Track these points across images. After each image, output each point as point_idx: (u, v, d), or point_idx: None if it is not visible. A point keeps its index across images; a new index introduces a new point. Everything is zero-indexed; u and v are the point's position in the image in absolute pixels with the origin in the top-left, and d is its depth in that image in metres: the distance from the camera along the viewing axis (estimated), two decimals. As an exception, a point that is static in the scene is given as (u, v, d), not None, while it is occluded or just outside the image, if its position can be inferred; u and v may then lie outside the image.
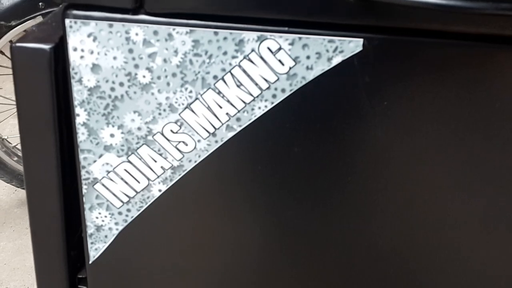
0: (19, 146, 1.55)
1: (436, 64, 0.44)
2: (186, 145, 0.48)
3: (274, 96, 0.46)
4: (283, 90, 0.45)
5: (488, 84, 0.44)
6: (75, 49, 0.44)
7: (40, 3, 1.33)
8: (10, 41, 1.40)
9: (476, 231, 0.50)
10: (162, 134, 0.47)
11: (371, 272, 0.53)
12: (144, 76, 0.45)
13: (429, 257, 0.51)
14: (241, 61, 0.44)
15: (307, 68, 0.44)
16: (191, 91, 0.46)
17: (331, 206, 0.50)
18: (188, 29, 0.44)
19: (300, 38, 0.44)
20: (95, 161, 0.49)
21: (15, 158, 1.56)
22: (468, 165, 0.47)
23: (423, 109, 0.45)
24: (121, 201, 0.50)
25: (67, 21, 0.43)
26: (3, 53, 1.43)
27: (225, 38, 0.44)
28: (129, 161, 0.49)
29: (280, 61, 0.44)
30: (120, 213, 0.51)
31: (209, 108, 0.46)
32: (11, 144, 1.57)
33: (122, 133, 0.47)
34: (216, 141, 0.47)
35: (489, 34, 0.43)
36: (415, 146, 0.47)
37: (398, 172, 0.48)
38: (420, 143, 0.47)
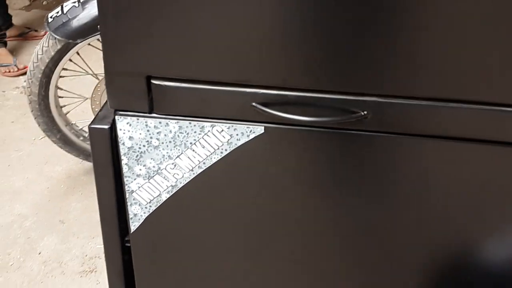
0: (85, 129, 2.04)
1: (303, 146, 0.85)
2: (178, 175, 0.92)
3: (221, 152, 0.89)
4: (226, 150, 0.88)
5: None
6: (120, 129, 0.88)
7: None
8: (77, 53, 1.86)
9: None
10: (165, 169, 0.91)
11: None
12: (155, 142, 0.89)
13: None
14: (203, 135, 0.87)
15: (237, 140, 0.87)
16: (179, 149, 0.89)
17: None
18: (176, 121, 0.87)
19: (232, 125, 0.86)
20: (132, 182, 0.93)
21: (81, 138, 2.05)
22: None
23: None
24: (146, 201, 0.95)
25: (116, 116, 0.87)
26: (71, 60, 1.90)
27: (194, 125, 0.87)
28: (150, 182, 0.93)
29: (223, 136, 0.87)
30: (145, 207, 0.96)
31: (188, 157, 0.90)
32: (78, 127, 2.06)
33: (145, 168, 0.92)
34: (193, 173, 0.91)
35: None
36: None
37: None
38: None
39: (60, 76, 1.88)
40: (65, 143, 2.01)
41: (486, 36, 0.73)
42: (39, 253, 1.88)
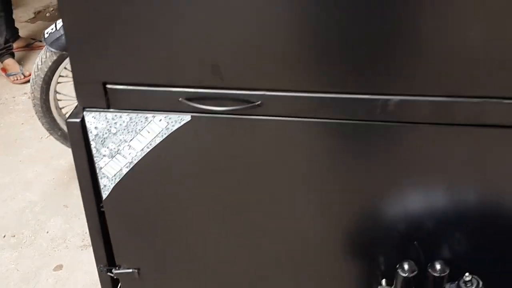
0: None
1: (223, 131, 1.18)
2: (133, 154, 1.25)
3: (162, 136, 1.21)
4: (165, 133, 1.21)
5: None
6: (87, 122, 1.21)
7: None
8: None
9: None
10: (123, 150, 1.24)
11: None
12: (113, 130, 1.22)
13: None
14: (148, 123, 1.20)
15: (172, 126, 1.19)
16: (131, 135, 1.22)
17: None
18: (127, 113, 1.19)
19: (168, 115, 1.18)
20: (100, 160, 1.26)
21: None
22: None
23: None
24: (111, 175, 1.28)
25: (84, 112, 1.20)
26: (66, 68, 2.23)
27: (140, 116, 1.19)
28: (113, 160, 1.26)
29: (162, 123, 1.20)
30: (111, 179, 1.29)
31: (138, 140, 1.22)
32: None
33: (109, 150, 1.25)
34: (144, 152, 1.24)
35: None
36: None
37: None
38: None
39: (58, 82, 2.22)
40: (66, 139, 2.35)
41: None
42: (47, 232, 2.22)
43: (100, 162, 1.27)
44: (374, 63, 1.05)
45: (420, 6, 0.98)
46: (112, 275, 1.45)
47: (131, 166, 1.27)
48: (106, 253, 1.42)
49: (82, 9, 1.08)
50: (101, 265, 1.45)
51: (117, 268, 1.45)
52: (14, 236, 2.20)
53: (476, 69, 1.03)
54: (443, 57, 1.02)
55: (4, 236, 2.20)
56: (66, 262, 2.07)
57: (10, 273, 2.04)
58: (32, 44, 3.51)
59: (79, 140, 1.25)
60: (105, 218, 1.36)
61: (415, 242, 1.25)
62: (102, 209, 1.36)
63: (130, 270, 1.44)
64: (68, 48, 1.13)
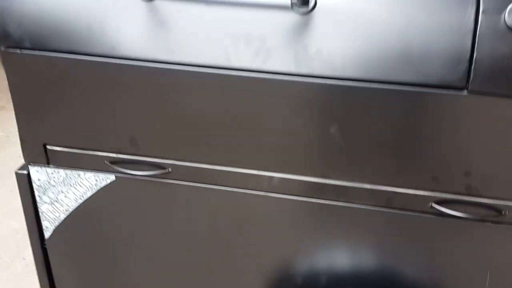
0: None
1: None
2: (68, 203, 1.48)
3: (92, 190, 1.45)
4: (94, 189, 1.44)
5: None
6: (32, 174, 1.46)
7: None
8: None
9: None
10: (61, 199, 1.48)
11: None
12: (53, 182, 1.46)
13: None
14: (80, 179, 1.44)
15: (100, 183, 1.43)
16: (67, 187, 1.46)
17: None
18: (63, 170, 1.44)
19: (96, 173, 1.42)
20: (42, 205, 1.50)
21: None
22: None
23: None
24: (52, 219, 1.52)
25: (29, 166, 1.45)
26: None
27: (74, 173, 1.43)
28: (52, 207, 1.50)
29: (92, 180, 1.43)
30: (52, 222, 1.53)
31: (73, 192, 1.46)
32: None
33: (49, 198, 1.49)
34: (77, 202, 1.47)
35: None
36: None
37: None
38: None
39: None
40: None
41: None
42: (23, 258, 2.47)
43: (42, 207, 1.51)
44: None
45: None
46: (53, 304, 1.68)
47: (67, 213, 1.50)
48: (50, 285, 1.65)
49: (28, 91, 1.34)
50: (46, 296, 1.67)
51: (56, 299, 1.67)
52: (-6, 259, 2.45)
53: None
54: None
55: (-15, 259, 2.45)
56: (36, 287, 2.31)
57: (-16, 293, 2.29)
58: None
59: (26, 188, 1.49)
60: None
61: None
62: (45, 246, 1.59)
63: (66, 302, 1.66)
64: (15, 115, 1.39)
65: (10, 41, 1.29)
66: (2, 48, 1.31)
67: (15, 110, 1.38)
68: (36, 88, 1.33)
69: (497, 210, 1.25)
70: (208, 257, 1.49)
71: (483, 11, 1.11)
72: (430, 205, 1.28)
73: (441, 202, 1.27)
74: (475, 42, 1.11)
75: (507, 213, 1.25)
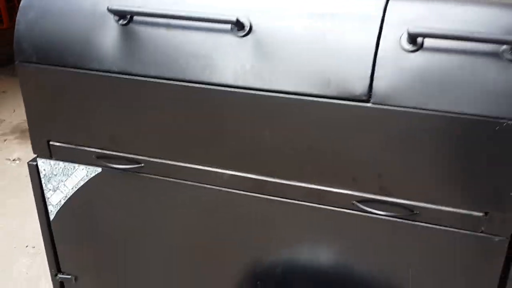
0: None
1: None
2: (67, 190, 1.79)
3: (85, 179, 1.75)
4: (87, 178, 1.75)
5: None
6: (39, 165, 1.78)
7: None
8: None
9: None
10: (61, 187, 1.80)
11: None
12: (55, 172, 1.78)
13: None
14: (75, 170, 1.75)
15: (91, 173, 1.73)
16: (65, 177, 1.77)
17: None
18: (61, 162, 1.75)
19: (87, 166, 1.73)
20: (47, 192, 1.82)
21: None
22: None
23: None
24: (55, 203, 1.84)
25: (37, 158, 1.78)
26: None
27: (70, 165, 1.74)
28: (55, 193, 1.82)
29: (85, 171, 1.74)
30: (55, 206, 1.84)
31: (71, 181, 1.77)
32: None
33: (52, 185, 1.81)
34: (74, 189, 1.78)
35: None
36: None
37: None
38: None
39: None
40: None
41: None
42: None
43: (47, 194, 1.83)
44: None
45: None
46: (57, 278, 1.99)
47: (66, 199, 1.81)
48: (55, 261, 1.97)
49: (36, 97, 1.67)
50: (52, 270, 1.99)
51: (61, 273, 1.98)
52: None
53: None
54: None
55: None
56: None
57: None
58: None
59: (35, 177, 1.82)
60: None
61: None
62: (51, 228, 1.91)
63: (69, 277, 1.97)
64: (27, 119, 1.72)
65: (22, 56, 1.63)
66: (17, 62, 1.65)
67: (26, 113, 1.72)
68: (42, 95, 1.66)
69: (409, 209, 1.43)
70: (171, 241, 1.75)
71: (383, 37, 1.33)
72: (353, 203, 1.47)
73: (361, 200, 1.46)
74: (375, 62, 1.32)
75: (418, 213, 1.42)
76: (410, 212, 1.44)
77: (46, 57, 1.61)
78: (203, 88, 1.47)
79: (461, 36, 1.23)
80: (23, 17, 1.60)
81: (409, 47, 1.30)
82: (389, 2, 1.35)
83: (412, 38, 1.28)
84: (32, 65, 1.63)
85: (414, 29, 1.25)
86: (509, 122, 1.25)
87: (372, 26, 1.33)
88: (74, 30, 1.56)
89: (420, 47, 1.30)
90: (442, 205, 1.41)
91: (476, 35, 1.22)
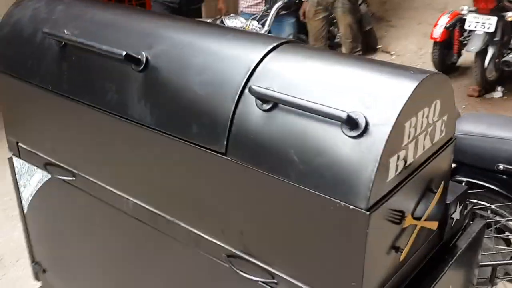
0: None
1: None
2: (33, 186, 1.98)
3: (42, 180, 1.92)
4: (43, 180, 1.91)
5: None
6: (13, 162, 2.00)
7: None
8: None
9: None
10: (28, 183, 1.99)
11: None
12: (23, 170, 1.97)
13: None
14: (36, 171, 1.92)
15: (45, 177, 1.89)
16: (31, 175, 1.96)
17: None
18: (26, 163, 1.94)
19: (43, 171, 1.89)
20: (21, 187, 2.03)
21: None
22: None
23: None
24: (25, 198, 2.03)
25: (12, 155, 1.99)
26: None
27: (33, 166, 1.92)
28: (25, 188, 2.02)
29: (40, 175, 1.90)
30: (26, 200, 2.04)
31: (34, 179, 1.95)
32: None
33: (23, 181, 2.00)
34: (37, 187, 1.96)
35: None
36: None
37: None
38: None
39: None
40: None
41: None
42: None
43: (20, 188, 2.04)
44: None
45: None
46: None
47: (32, 196, 2.00)
48: (30, 250, 2.18)
49: (8, 104, 1.88)
50: (30, 258, 2.20)
51: (34, 264, 2.18)
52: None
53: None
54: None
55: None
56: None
57: None
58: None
59: (12, 171, 2.04)
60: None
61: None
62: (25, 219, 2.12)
63: (39, 267, 2.16)
64: (3, 119, 1.94)
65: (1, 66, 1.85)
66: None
67: (2, 114, 1.94)
68: (9, 100, 1.86)
69: (271, 275, 1.33)
70: (98, 250, 1.84)
71: (241, 102, 1.27)
72: (224, 256, 1.41)
73: (230, 255, 1.40)
74: (232, 122, 1.27)
75: (277, 282, 1.32)
76: (271, 278, 1.34)
77: (7, 67, 1.80)
78: (111, 116, 1.53)
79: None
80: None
81: (265, 106, 1.23)
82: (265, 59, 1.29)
83: (261, 99, 1.21)
84: (5, 76, 1.84)
85: (255, 89, 1.18)
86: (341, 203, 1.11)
87: (236, 80, 1.28)
88: (26, 46, 1.73)
89: (274, 106, 1.21)
90: (300, 281, 1.28)
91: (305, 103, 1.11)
